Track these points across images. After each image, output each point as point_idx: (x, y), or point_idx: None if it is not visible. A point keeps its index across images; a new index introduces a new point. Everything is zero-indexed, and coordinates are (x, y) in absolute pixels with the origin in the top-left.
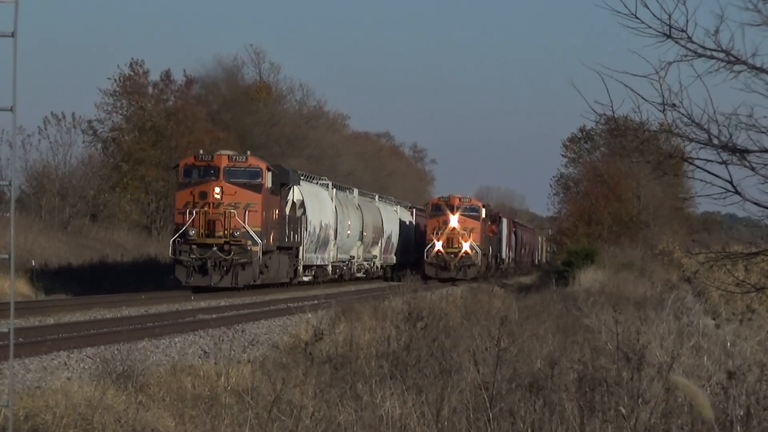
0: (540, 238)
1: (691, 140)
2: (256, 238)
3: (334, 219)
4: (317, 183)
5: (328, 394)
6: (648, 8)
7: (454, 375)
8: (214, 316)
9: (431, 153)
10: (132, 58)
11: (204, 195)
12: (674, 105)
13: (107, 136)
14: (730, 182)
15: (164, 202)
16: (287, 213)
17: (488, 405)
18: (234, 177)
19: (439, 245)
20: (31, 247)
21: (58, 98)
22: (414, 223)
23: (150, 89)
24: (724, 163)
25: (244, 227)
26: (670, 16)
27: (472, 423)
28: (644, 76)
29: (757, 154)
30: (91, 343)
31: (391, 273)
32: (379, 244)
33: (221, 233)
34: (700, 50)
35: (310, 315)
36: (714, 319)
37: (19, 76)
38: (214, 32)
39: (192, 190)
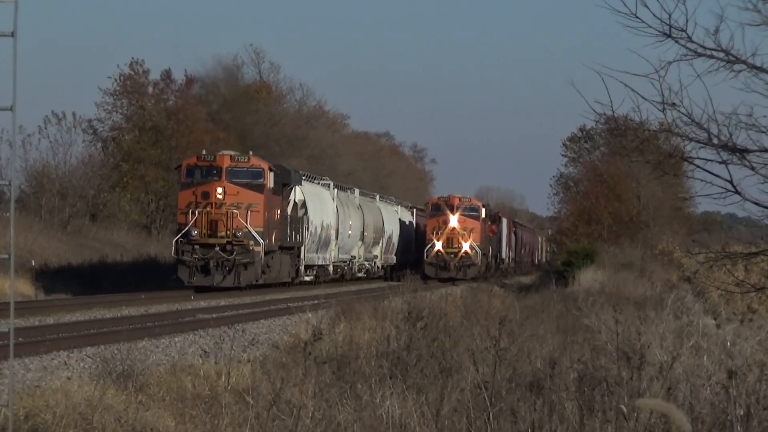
0: (540, 238)
1: (690, 140)
2: (258, 238)
3: (335, 219)
4: (319, 183)
5: (328, 394)
6: (648, 8)
7: (454, 375)
8: (214, 315)
9: (431, 153)
10: (132, 58)
11: (206, 195)
12: (674, 104)
13: (107, 135)
14: (730, 182)
15: (164, 202)
16: (289, 213)
17: (488, 405)
18: (236, 177)
19: (438, 245)
20: (31, 247)
21: (58, 98)
22: (414, 223)
23: (150, 89)
24: (724, 162)
25: (247, 227)
26: (670, 15)
27: (472, 423)
28: (644, 76)
29: (757, 153)
30: (91, 342)
31: (391, 273)
32: (380, 244)
33: (224, 233)
34: (699, 50)
35: (310, 315)
36: (714, 319)
37: (19, 76)
38: (214, 32)
39: (194, 190)
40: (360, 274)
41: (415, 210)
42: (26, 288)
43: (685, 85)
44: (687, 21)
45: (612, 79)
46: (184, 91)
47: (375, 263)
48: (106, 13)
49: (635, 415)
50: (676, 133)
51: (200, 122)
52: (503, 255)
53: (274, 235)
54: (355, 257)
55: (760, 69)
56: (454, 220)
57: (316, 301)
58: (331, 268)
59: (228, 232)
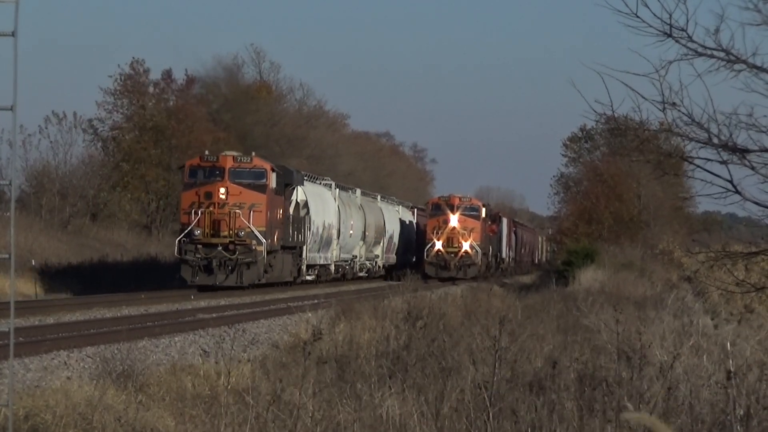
0: (540, 238)
1: (691, 139)
2: (260, 237)
3: (337, 219)
4: (320, 183)
5: (327, 394)
6: (648, 7)
7: (454, 374)
8: (214, 315)
9: (431, 153)
10: (133, 58)
11: (209, 195)
12: (674, 104)
13: (108, 135)
14: (730, 182)
15: (164, 202)
16: (291, 213)
17: (488, 405)
18: (239, 177)
19: (439, 245)
20: (31, 247)
21: (59, 98)
22: (415, 222)
23: (151, 88)
24: (724, 162)
25: (249, 227)
26: (670, 15)
27: (472, 423)
28: (644, 75)
29: (757, 153)
30: (91, 342)
31: (391, 272)
32: (381, 244)
33: (226, 233)
34: (700, 49)
35: (310, 314)
36: (713, 318)
37: (19, 76)
38: (214, 32)
39: (197, 190)
40: (361, 274)
41: (416, 210)
42: (26, 287)
43: (686, 85)
44: (687, 20)
45: (612, 79)
46: (185, 91)
47: (376, 263)
48: (106, 13)
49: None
50: (676, 132)
51: (200, 122)
52: (503, 254)
53: (276, 234)
54: (356, 257)
55: (761, 69)
56: (454, 220)
57: (316, 301)
58: (332, 267)
59: (231, 232)
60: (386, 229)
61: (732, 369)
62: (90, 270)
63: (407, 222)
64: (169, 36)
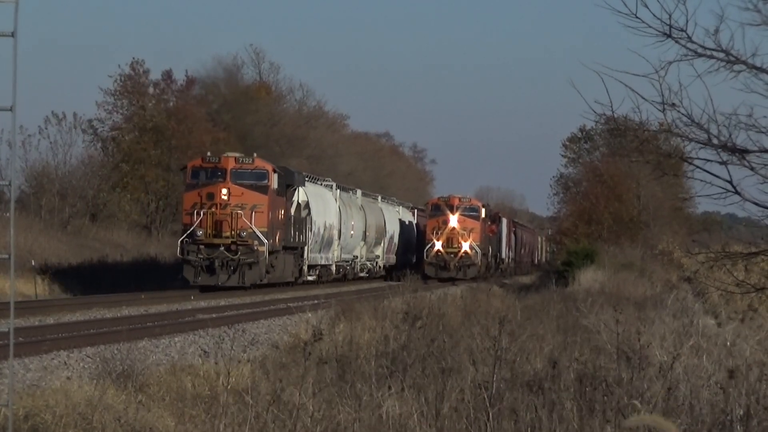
0: (540, 238)
1: (690, 140)
2: (262, 238)
3: (337, 219)
4: (321, 184)
5: (327, 394)
6: (648, 8)
7: (453, 374)
8: (213, 315)
9: (431, 153)
10: (133, 58)
11: (211, 196)
12: (674, 105)
13: (107, 135)
14: (730, 182)
15: (164, 202)
16: (292, 214)
17: (488, 405)
18: (241, 178)
19: (438, 245)
20: (31, 247)
21: (58, 98)
22: (415, 223)
23: (151, 89)
24: (723, 163)
25: (251, 228)
26: (670, 15)
27: (472, 423)
28: (644, 76)
29: (757, 153)
30: (91, 342)
31: (391, 273)
32: (382, 244)
33: (228, 233)
34: (700, 50)
35: (310, 315)
36: (714, 318)
37: (19, 76)
38: (214, 32)
39: (200, 191)
40: (362, 274)
41: (416, 210)
42: (26, 288)
43: (685, 86)
44: (687, 21)
45: (612, 80)
46: (185, 92)
47: (377, 263)
48: (106, 13)
49: (635, 414)
50: (676, 133)
51: (200, 122)
52: (503, 255)
53: (277, 235)
54: (357, 257)
55: (760, 69)
56: (454, 220)
57: (316, 301)
58: (333, 267)
59: (232, 233)
60: (387, 229)
61: (732, 368)
62: (90, 270)
63: (407, 222)
64: (169, 36)
